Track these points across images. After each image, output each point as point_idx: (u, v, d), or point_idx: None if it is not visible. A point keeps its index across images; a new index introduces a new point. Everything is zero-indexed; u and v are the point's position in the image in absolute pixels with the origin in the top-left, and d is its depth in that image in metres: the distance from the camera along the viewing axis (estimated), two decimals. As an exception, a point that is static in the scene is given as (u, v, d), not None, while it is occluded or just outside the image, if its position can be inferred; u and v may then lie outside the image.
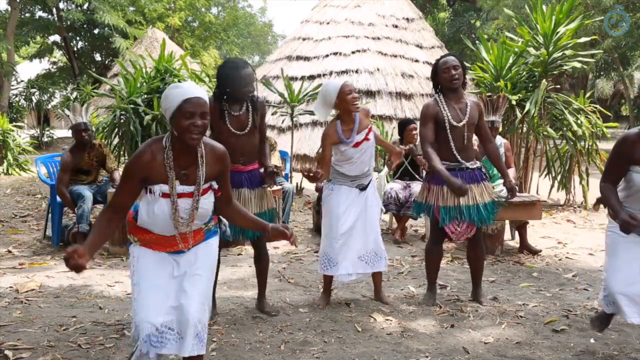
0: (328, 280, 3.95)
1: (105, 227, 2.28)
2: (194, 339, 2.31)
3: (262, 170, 3.64)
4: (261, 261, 3.73)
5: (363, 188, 3.83)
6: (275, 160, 6.23)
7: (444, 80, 3.67)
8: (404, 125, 6.16)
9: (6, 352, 2.99)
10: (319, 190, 6.14)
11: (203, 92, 2.25)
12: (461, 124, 3.66)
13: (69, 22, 19.80)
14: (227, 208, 2.52)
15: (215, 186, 2.41)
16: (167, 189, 2.27)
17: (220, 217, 2.58)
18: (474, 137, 3.86)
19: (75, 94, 18.15)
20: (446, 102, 3.70)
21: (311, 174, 3.65)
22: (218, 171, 2.38)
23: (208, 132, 2.60)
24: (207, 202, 2.38)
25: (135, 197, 2.32)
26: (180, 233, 2.34)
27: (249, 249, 5.41)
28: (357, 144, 3.75)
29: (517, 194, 5.30)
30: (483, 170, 3.80)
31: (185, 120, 2.18)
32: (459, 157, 3.67)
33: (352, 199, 3.81)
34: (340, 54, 13.29)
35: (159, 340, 2.29)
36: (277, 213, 3.77)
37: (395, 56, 13.49)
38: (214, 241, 2.53)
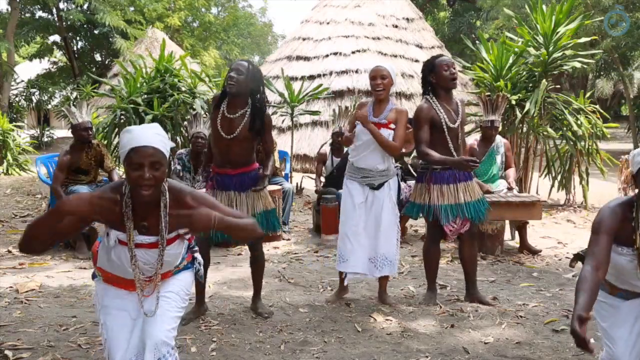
0: (342, 276, 3.95)
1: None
2: None
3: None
4: (257, 263, 3.69)
5: (374, 188, 3.81)
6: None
7: (443, 79, 3.66)
8: None
9: (6, 352, 2.99)
10: (318, 192, 6.15)
11: (157, 138, 2.02)
12: (456, 124, 3.71)
13: (69, 22, 19.82)
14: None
15: (187, 235, 2.21)
16: (124, 237, 2.08)
17: (195, 255, 2.37)
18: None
19: (75, 94, 18.15)
20: (439, 102, 3.70)
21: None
22: (187, 215, 2.05)
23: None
24: (175, 252, 2.19)
25: (59, 235, 2.09)
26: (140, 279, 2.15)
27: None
28: (378, 125, 3.73)
29: (517, 194, 5.32)
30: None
31: (133, 172, 1.98)
32: (455, 155, 3.71)
33: (365, 197, 3.80)
34: (340, 54, 13.29)
35: None
36: (274, 214, 3.69)
37: (395, 56, 13.49)
38: (187, 273, 2.34)
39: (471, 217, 3.76)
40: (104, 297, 2.23)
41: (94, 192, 2.12)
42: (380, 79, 3.74)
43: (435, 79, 3.70)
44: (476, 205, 3.77)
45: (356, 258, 3.80)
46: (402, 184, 6.00)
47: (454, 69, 3.69)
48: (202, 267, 2.40)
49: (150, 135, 2.02)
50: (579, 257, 2.59)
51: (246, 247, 5.50)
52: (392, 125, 3.75)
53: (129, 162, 1.99)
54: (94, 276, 2.32)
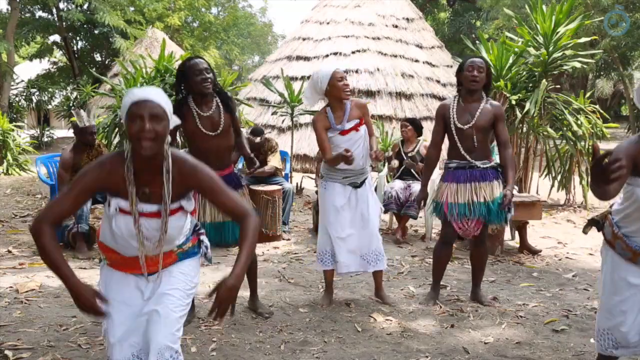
0: (329, 277, 3.94)
1: (57, 245, 2.02)
2: None
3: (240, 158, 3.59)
4: (250, 264, 3.67)
5: (356, 186, 3.81)
6: (275, 162, 6.22)
7: (464, 78, 3.66)
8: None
9: (6, 352, 2.99)
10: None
11: (158, 94, 2.01)
12: (466, 126, 3.64)
13: (69, 22, 19.79)
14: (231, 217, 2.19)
15: (189, 208, 2.17)
16: (126, 205, 2.04)
17: (202, 238, 2.32)
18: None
19: (75, 94, 18.15)
20: (460, 102, 3.70)
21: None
22: (188, 189, 2.10)
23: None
24: (178, 224, 2.14)
25: (77, 209, 2.12)
26: (145, 256, 2.12)
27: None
28: (344, 132, 3.71)
29: (517, 194, 5.32)
30: (499, 170, 3.73)
31: (134, 125, 1.95)
32: (467, 157, 3.68)
33: (347, 196, 3.79)
34: (340, 54, 13.29)
35: None
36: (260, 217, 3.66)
37: (395, 56, 13.49)
38: (192, 262, 2.28)
39: (484, 218, 3.68)
40: (106, 284, 2.20)
41: (99, 158, 2.09)
42: (346, 81, 3.72)
43: (460, 78, 3.70)
44: (489, 207, 3.66)
45: (348, 257, 3.80)
46: (399, 184, 6.01)
47: (478, 71, 3.60)
48: (209, 250, 2.34)
49: (151, 91, 2.02)
50: (593, 222, 2.55)
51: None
52: (362, 127, 3.74)
53: (130, 116, 1.97)
54: (99, 263, 2.28)
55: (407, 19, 14.82)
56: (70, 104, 18.22)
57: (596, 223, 2.53)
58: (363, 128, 3.76)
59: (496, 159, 5.16)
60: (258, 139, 6.17)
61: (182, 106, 3.35)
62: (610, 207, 2.51)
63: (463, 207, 3.68)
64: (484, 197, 3.67)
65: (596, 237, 6.29)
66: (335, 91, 3.66)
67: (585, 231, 2.65)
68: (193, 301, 3.59)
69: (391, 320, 3.60)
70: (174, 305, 2.14)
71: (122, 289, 2.18)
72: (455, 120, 3.66)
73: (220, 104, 3.40)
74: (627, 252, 2.34)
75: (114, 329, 2.13)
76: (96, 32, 21.43)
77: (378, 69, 12.75)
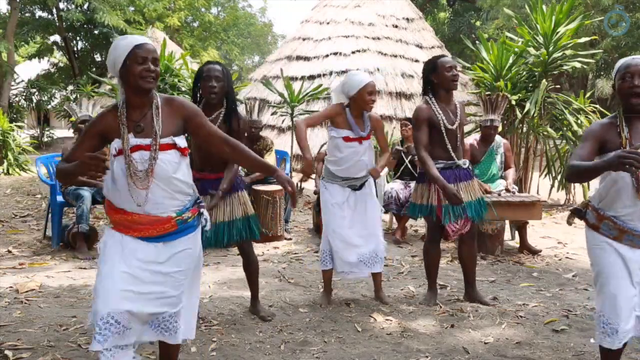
0: (327, 277, 3.95)
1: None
2: (160, 329, 2.34)
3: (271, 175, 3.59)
4: (250, 266, 3.64)
5: (355, 188, 3.83)
6: (270, 160, 6.21)
7: (444, 79, 3.66)
8: None
9: (6, 352, 2.99)
10: (317, 193, 6.17)
11: (149, 40, 2.31)
12: (454, 126, 3.71)
13: (69, 22, 19.77)
14: (227, 149, 2.41)
15: (181, 144, 2.30)
16: (122, 145, 2.24)
17: (202, 210, 2.43)
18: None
19: (75, 94, 18.13)
20: (438, 104, 3.71)
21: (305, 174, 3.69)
22: (179, 124, 2.31)
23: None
24: (170, 160, 2.26)
25: (90, 151, 2.26)
26: (143, 208, 2.24)
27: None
28: (348, 139, 3.74)
29: (517, 193, 5.32)
30: (470, 167, 3.88)
31: (138, 66, 2.20)
32: (454, 156, 3.74)
33: (347, 197, 3.81)
34: (340, 54, 13.28)
35: (118, 330, 2.21)
36: (255, 220, 3.58)
37: (395, 56, 13.48)
38: (194, 237, 2.39)
39: (472, 216, 3.77)
40: (106, 244, 2.30)
41: (101, 111, 2.36)
42: (375, 96, 3.79)
43: (437, 79, 3.69)
44: (476, 205, 3.79)
45: (345, 257, 3.81)
46: (399, 184, 6.01)
47: (456, 70, 3.69)
48: (208, 223, 2.45)
49: (144, 37, 2.30)
50: (576, 211, 2.65)
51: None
52: (366, 142, 3.81)
53: (134, 58, 2.20)
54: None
55: (407, 19, 14.81)
56: (70, 102, 18.22)
57: (579, 212, 2.64)
58: (368, 142, 3.80)
59: (499, 184, 5.27)
60: (254, 130, 6.08)
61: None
62: (589, 199, 2.66)
63: (457, 209, 3.70)
64: (470, 195, 3.76)
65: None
66: (361, 101, 3.72)
67: (569, 221, 2.74)
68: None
69: (391, 320, 3.60)
70: (192, 294, 2.42)
71: (121, 246, 2.28)
72: (444, 121, 3.67)
73: (224, 114, 3.40)
74: (613, 230, 2.47)
75: (102, 281, 2.23)
76: (96, 32, 21.40)
77: (378, 69, 12.74)
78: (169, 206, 2.30)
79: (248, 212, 3.51)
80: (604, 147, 2.45)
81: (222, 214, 3.42)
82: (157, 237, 2.28)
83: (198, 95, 3.44)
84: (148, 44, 2.25)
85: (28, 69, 24.11)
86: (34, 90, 19.97)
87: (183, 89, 7.11)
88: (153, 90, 2.29)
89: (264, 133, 10.56)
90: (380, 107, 12.13)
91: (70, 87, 20.31)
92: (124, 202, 2.27)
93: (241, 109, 4.35)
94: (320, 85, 9.52)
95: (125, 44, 2.23)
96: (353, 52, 13.29)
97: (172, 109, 2.31)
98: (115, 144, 2.25)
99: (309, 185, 8.86)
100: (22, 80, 19.88)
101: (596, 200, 2.56)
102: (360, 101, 3.71)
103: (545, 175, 8.01)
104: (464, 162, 3.81)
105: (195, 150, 3.40)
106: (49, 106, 20.69)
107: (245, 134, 3.52)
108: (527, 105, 7.03)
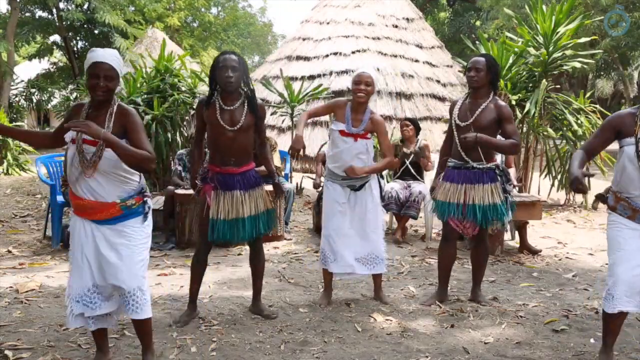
0: (327, 277, 3.94)
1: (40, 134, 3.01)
2: (129, 304, 2.67)
3: (264, 173, 3.67)
4: (258, 260, 3.65)
5: (355, 189, 3.82)
6: (275, 161, 6.22)
7: (467, 78, 3.71)
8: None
9: (6, 352, 2.99)
10: (316, 186, 6.18)
11: (114, 58, 2.64)
12: (464, 124, 3.65)
13: (68, 22, 19.76)
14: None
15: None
16: (75, 135, 2.62)
17: (145, 198, 2.76)
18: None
19: (75, 94, 18.11)
20: (466, 101, 3.74)
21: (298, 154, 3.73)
22: (122, 127, 2.65)
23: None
24: (112, 156, 2.58)
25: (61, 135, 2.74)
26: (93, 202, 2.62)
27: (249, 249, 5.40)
28: (344, 133, 3.74)
29: (517, 193, 5.32)
30: (497, 172, 3.70)
31: (92, 80, 2.62)
32: (464, 155, 3.66)
33: (347, 197, 3.82)
34: (340, 54, 13.29)
35: (91, 301, 2.68)
36: (275, 214, 3.69)
37: (395, 56, 13.49)
38: (139, 219, 2.72)
39: (476, 220, 3.68)
40: (73, 230, 2.74)
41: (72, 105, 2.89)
42: (364, 85, 3.70)
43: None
44: (486, 210, 3.65)
45: (344, 257, 3.81)
46: (399, 184, 6.01)
47: (475, 72, 3.62)
48: (151, 211, 2.79)
49: (108, 55, 2.65)
50: (599, 196, 2.97)
51: (246, 247, 5.51)
52: (369, 135, 3.79)
53: (90, 73, 2.62)
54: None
55: (407, 19, 14.82)
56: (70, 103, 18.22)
57: (601, 197, 2.96)
58: (365, 142, 3.77)
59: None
60: None
61: (210, 97, 3.40)
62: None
63: (454, 208, 3.68)
64: (473, 199, 3.65)
65: (596, 237, 6.32)
66: (353, 91, 3.73)
67: (594, 206, 3.16)
68: (195, 302, 3.59)
69: (391, 320, 3.60)
70: (131, 251, 2.68)
71: (83, 230, 2.70)
72: (456, 117, 3.68)
73: (246, 103, 3.40)
74: (628, 210, 2.77)
75: (77, 265, 2.69)
76: (96, 32, 21.40)
77: (378, 69, 12.74)
78: (112, 193, 2.66)
79: (269, 206, 3.57)
80: (620, 133, 2.79)
81: (248, 209, 3.44)
82: (105, 220, 2.66)
83: (214, 84, 3.41)
84: (104, 63, 2.60)
85: (28, 69, 24.10)
86: (34, 90, 19.97)
87: (183, 88, 7.11)
88: (111, 100, 2.67)
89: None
90: (380, 107, 12.14)
91: (70, 87, 20.28)
92: (77, 189, 2.66)
93: None
94: (320, 85, 9.52)
95: (89, 57, 2.64)
96: (353, 52, 13.29)
97: (119, 115, 2.68)
98: (70, 134, 2.63)
99: (309, 186, 8.86)
100: (22, 80, 19.88)
101: (614, 184, 2.88)
102: (353, 92, 3.73)
103: (545, 175, 8.01)
104: (481, 164, 3.65)
105: (215, 144, 3.40)
106: (49, 106, 20.69)
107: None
108: (527, 105, 7.03)
